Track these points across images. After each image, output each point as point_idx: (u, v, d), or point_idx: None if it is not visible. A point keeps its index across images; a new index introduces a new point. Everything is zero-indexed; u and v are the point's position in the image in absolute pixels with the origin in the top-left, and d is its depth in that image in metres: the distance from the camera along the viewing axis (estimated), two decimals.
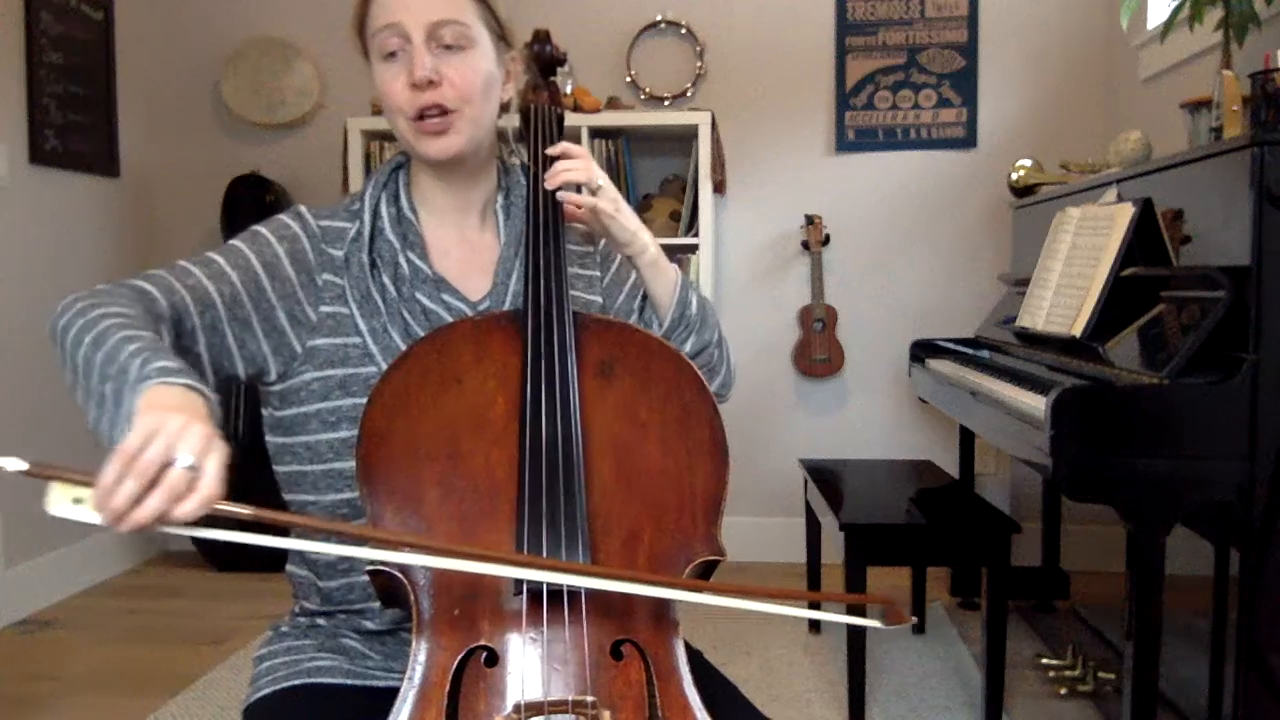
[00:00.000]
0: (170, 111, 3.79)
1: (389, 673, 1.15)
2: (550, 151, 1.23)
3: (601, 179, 1.22)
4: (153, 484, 0.80)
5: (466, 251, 1.24)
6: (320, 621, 1.20)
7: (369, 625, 1.17)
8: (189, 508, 0.80)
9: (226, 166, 3.69)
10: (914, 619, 1.06)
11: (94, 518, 0.81)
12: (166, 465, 0.80)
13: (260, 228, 1.19)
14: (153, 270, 1.10)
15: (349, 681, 1.14)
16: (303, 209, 1.21)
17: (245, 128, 3.76)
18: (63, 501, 0.82)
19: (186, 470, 0.80)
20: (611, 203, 1.22)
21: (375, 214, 1.21)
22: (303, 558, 1.22)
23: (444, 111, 1.15)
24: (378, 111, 3.39)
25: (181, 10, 3.76)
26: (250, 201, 3.59)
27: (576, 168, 1.21)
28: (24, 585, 3.10)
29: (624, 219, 1.23)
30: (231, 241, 1.17)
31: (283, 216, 1.21)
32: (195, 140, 3.80)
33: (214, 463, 0.82)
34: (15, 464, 0.80)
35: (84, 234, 3.44)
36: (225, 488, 0.82)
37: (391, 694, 0.95)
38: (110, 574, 3.52)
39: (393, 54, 1.15)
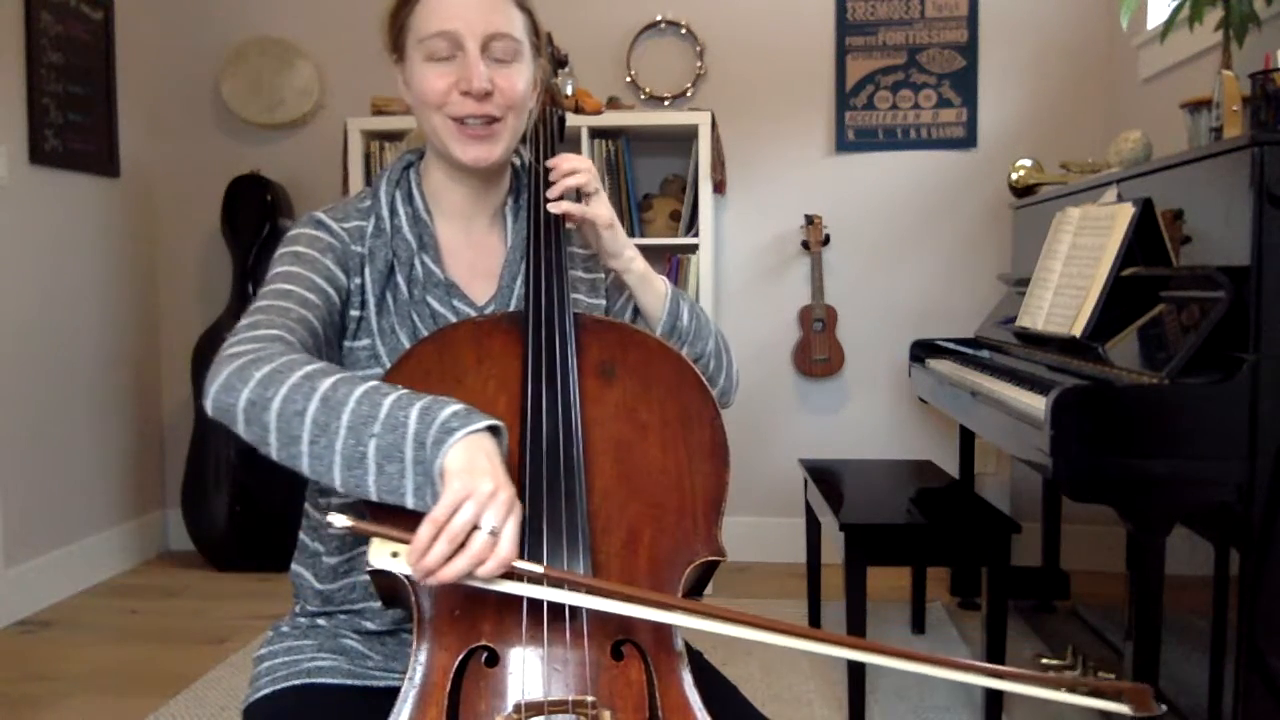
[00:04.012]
0: (170, 111, 3.79)
1: (389, 673, 1.15)
2: (552, 163, 1.21)
3: (597, 185, 1.21)
4: (461, 547, 0.89)
5: (474, 254, 1.24)
6: (321, 622, 1.20)
7: (369, 625, 1.18)
8: (489, 568, 0.90)
9: (226, 166, 3.69)
10: (1162, 708, 1.01)
11: (406, 570, 0.91)
12: (473, 530, 0.89)
13: (299, 248, 1.15)
14: (255, 315, 1.06)
15: (349, 681, 1.14)
16: (321, 216, 1.19)
17: (245, 128, 3.76)
18: (382, 554, 0.93)
19: (489, 536, 0.89)
20: (607, 213, 1.21)
21: (392, 211, 1.21)
22: (303, 558, 1.22)
23: (490, 120, 1.15)
24: (378, 111, 3.38)
25: (181, 10, 3.76)
26: (250, 201, 3.59)
27: (581, 168, 1.20)
28: (24, 585, 3.10)
29: (616, 232, 1.22)
30: (285, 269, 1.13)
31: (308, 231, 1.18)
32: (195, 140, 3.79)
33: (512, 527, 0.91)
34: (341, 520, 0.91)
35: (84, 234, 3.44)
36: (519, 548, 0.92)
37: (392, 694, 0.95)
38: (110, 574, 3.52)
39: (443, 55, 1.14)
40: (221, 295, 3.68)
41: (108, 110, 3.52)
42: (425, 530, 0.89)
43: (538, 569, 0.93)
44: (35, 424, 3.16)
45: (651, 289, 1.26)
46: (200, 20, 3.75)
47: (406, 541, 0.90)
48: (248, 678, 1.20)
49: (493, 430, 0.95)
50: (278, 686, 1.13)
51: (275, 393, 0.95)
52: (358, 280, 1.17)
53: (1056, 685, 0.95)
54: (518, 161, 1.29)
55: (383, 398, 0.95)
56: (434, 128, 1.17)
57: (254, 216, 3.59)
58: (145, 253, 3.77)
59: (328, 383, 0.96)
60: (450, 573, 0.89)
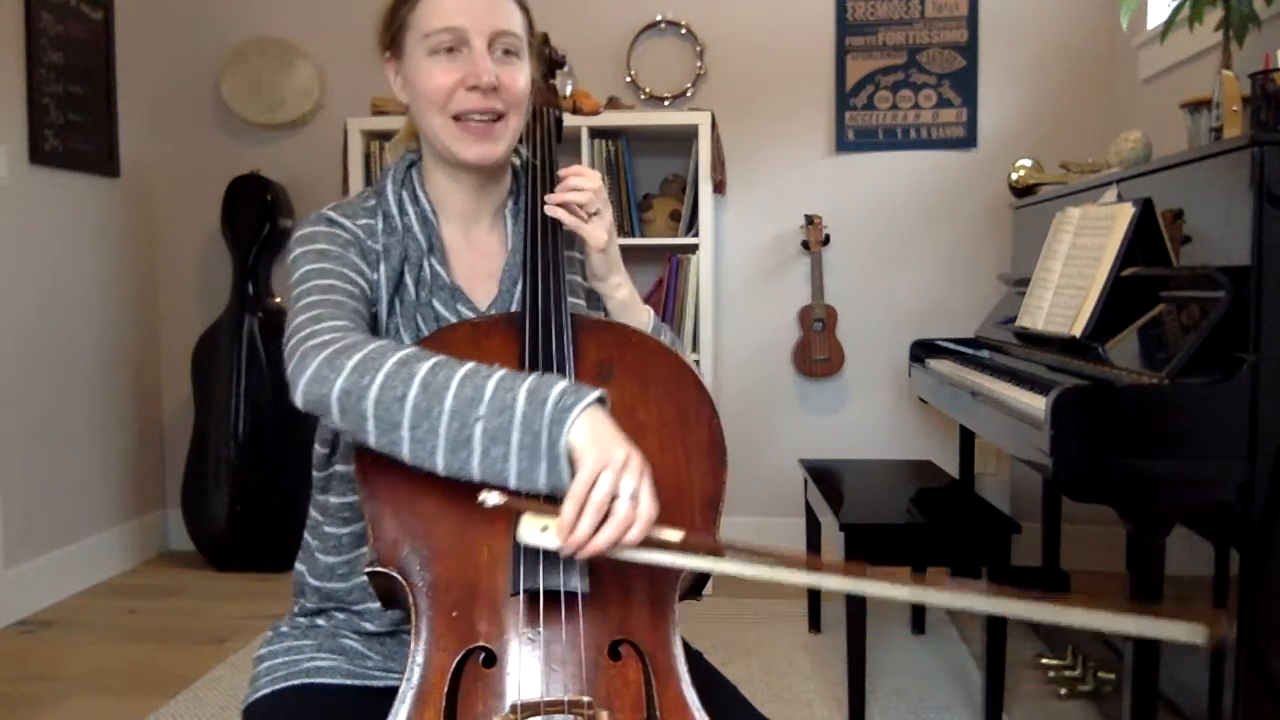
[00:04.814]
0: (170, 111, 3.79)
1: (388, 673, 1.15)
2: (564, 172, 1.21)
3: (601, 206, 1.20)
4: (606, 516, 0.91)
5: (475, 256, 1.24)
6: (320, 622, 1.20)
7: (368, 626, 1.18)
8: (635, 533, 0.92)
9: (226, 166, 3.69)
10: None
11: (556, 544, 0.93)
12: (613, 499, 0.91)
13: (321, 245, 1.14)
14: (311, 310, 1.05)
15: (348, 681, 1.14)
16: (331, 214, 1.18)
17: (245, 128, 3.76)
18: (532, 530, 0.94)
19: (630, 500, 0.92)
20: (606, 233, 1.20)
21: (401, 210, 1.20)
22: (306, 557, 1.22)
23: (496, 117, 1.15)
24: (378, 111, 3.38)
25: (181, 10, 3.76)
26: (250, 201, 3.59)
27: (588, 187, 1.19)
28: (24, 585, 3.10)
29: (608, 257, 1.22)
30: (315, 266, 1.12)
31: (323, 229, 1.16)
32: (195, 140, 3.79)
33: (648, 487, 0.93)
34: (494, 498, 0.93)
35: (84, 234, 3.43)
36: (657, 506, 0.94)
37: (390, 694, 0.95)
38: (110, 574, 3.52)
39: (447, 50, 1.14)
40: (221, 295, 3.68)
41: (108, 110, 3.52)
42: (569, 507, 0.91)
43: (676, 535, 0.94)
44: (35, 424, 3.16)
45: (633, 319, 1.26)
46: (200, 20, 3.75)
47: (555, 516, 0.92)
48: (248, 678, 1.21)
49: (600, 400, 0.96)
50: (277, 686, 1.13)
51: (371, 380, 0.95)
52: (375, 276, 1.17)
53: (1118, 610, 0.88)
54: (517, 161, 1.29)
55: (485, 380, 0.95)
56: (434, 129, 1.16)
57: (254, 216, 3.59)
58: (145, 253, 3.77)
59: (425, 367, 0.96)
60: (600, 542, 0.91)
